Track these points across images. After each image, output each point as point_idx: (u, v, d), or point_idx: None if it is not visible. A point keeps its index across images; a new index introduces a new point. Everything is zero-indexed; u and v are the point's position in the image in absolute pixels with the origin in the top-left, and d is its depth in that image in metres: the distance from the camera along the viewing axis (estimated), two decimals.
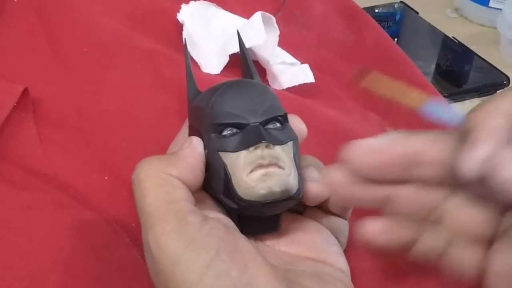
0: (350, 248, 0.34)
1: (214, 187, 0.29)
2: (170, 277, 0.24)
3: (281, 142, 0.29)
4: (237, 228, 0.28)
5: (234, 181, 0.28)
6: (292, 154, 0.29)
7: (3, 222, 0.33)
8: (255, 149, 0.28)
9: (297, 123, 0.32)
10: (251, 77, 0.36)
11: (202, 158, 0.29)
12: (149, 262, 0.26)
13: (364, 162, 0.27)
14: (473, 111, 0.26)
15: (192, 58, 0.47)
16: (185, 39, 0.38)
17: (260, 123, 0.29)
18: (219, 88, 0.31)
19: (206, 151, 0.29)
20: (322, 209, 0.33)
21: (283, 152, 0.29)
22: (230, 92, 0.30)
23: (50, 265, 0.31)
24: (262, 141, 0.28)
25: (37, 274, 0.30)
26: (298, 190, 0.29)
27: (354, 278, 0.31)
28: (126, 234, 0.34)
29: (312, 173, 0.30)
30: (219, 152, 0.28)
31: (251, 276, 0.24)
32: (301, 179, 0.29)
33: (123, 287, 0.32)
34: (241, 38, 0.39)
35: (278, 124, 0.30)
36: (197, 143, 0.29)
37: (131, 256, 0.33)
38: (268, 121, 0.29)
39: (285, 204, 0.29)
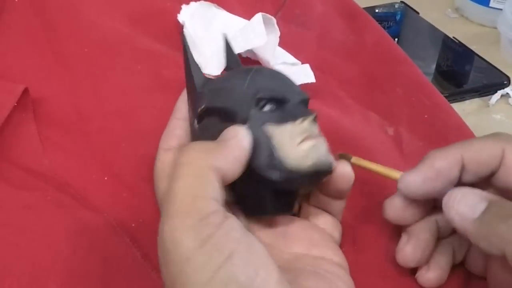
0: (348, 245, 0.34)
1: (254, 161, 0.28)
2: (179, 272, 0.24)
3: (316, 120, 0.30)
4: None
5: (282, 153, 0.28)
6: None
7: (3, 222, 0.33)
8: (301, 122, 0.29)
9: None
10: None
11: (246, 153, 0.28)
12: (160, 251, 0.25)
13: (396, 218, 0.33)
14: None
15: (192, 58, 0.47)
16: (183, 22, 0.37)
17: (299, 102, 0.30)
18: (250, 70, 0.31)
19: (247, 126, 0.29)
20: (318, 206, 0.33)
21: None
22: (264, 72, 0.31)
23: (50, 265, 0.31)
24: (312, 114, 0.29)
25: (37, 274, 0.30)
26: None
27: (352, 273, 0.31)
28: (126, 234, 0.34)
29: None
30: (263, 126, 0.29)
31: (260, 283, 0.24)
32: None
33: (123, 287, 0.32)
34: (228, 43, 0.38)
35: (304, 107, 0.31)
36: (244, 136, 0.28)
37: (131, 256, 0.33)
38: (302, 101, 0.30)
39: (324, 177, 0.30)
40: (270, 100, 0.29)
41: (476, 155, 0.31)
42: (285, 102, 0.29)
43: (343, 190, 0.33)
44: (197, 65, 0.34)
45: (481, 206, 0.28)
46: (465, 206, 0.29)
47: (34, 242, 0.32)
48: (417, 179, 0.31)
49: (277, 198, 0.30)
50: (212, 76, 0.46)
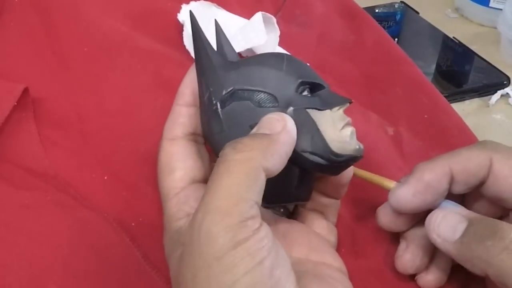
0: (348, 248, 0.34)
1: (298, 145, 0.28)
2: (206, 268, 0.23)
3: None
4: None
5: (327, 137, 0.28)
6: None
7: (3, 222, 0.33)
8: (338, 109, 0.29)
9: None
10: None
11: (293, 146, 0.27)
12: (190, 240, 0.24)
13: (389, 225, 0.34)
14: None
15: (192, 58, 0.47)
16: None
17: None
18: (280, 54, 0.31)
19: (291, 108, 0.29)
20: (313, 209, 0.33)
21: None
22: (295, 59, 0.31)
23: (50, 265, 0.31)
24: (350, 102, 0.29)
25: (37, 274, 0.30)
26: None
27: (352, 276, 0.31)
28: (126, 233, 0.34)
29: None
30: (307, 109, 0.29)
31: None
32: None
33: (123, 287, 0.32)
34: (219, 29, 0.36)
35: None
36: (292, 128, 0.27)
37: (131, 256, 0.33)
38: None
39: (354, 163, 0.30)
40: (309, 85, 0.30)
41: (464, 166, 0.31)
42: (321, 89, 0.30)
43: (341, 184, 0.33)
44: (211, 45, 0.33)
45: (461, 227, 0.29)
46: (445, 228, 0.29)
47: (34, 242, 0.32)
48: (407, 193, 0.31)
49: (298, 185, 0.30)
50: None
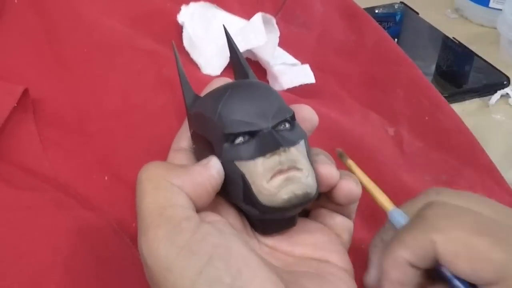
0: (354, 248, 0.34)
1: (233, 195, 0.29)
2: (163, 283, 0.24)
3: (294, 143, 0.29)
4: (233, 233, 0.28)
5: (254, 189, 0.28)
6: (305, 153, 0.29)
7: (3, 222, 0.33)
8: (272, 155, 0.28)
9: (308, 113, 0.32)
10: (246, 75, 0.35)
11: (212, 181, 0.27)
12: (144, 266, 0.26)
13: None
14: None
15: (192, 59, 0.47)
16: (173, 43, 0.38)
17: (272, 127, 0.29)
18: (223, 94, 0.30)
19: (220, 161, 0.28)
20: (327, 208, 0.32)
21: (298, 153, 0.29)
22: (236, 98, 0.29)
23: (50, 265, 0.31)
24: (280, 148, 0.28)
25: (37, 274, 0.30)
26: (316, 189, 0.29)
27: (358, 277, 0.31)
28: (126, 234, 0.34)
29: (322, 158, 0.30)
30: (235, 162, 0.28)
31: (245, 282, 0.24)
32: (316, 176, 0.29)
33: (123, 287, 0.32)
34: (229, 34, 0.37)
35: (287, 125, 0.29)
36: (213, 165, 0.28)
37: (131, 256, 0.33)
38: (279, 123, 0.29)
39: (305, 204, 0.29)
40: (240, 134, 0.28)
41: (414, 253, 0.28)
42: (256, 133, 0.28)
43: (349, 205, 0.32)
44: (187, 82, 0.34)
45: None
46: None
47: (34, 242, 0.32)
48: None
49: (276, 220, 0.30)
50: (213, 75, 0.46)
